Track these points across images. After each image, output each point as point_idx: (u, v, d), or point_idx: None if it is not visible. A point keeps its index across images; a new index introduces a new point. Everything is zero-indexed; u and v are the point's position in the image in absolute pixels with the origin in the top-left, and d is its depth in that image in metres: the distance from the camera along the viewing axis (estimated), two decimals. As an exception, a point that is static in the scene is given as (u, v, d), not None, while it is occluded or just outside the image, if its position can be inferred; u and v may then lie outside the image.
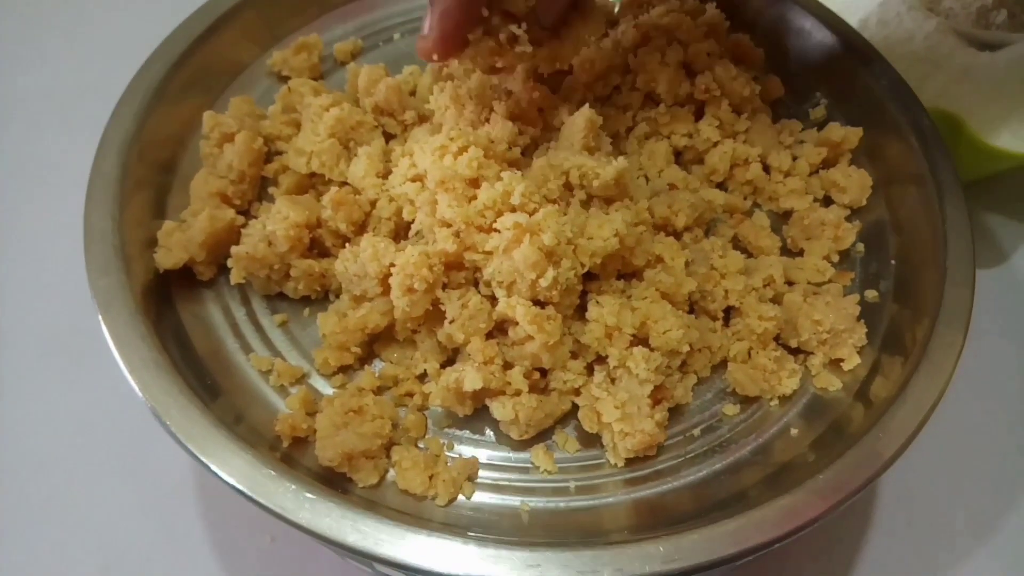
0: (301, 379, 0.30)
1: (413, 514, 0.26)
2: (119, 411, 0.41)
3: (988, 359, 0.43)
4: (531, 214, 0.28)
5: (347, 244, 0.31)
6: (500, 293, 0.28)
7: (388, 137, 0.36)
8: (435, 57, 0.32)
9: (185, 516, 0.38)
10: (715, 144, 0.35)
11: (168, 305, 0.31)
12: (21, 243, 0.48)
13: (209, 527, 0.38)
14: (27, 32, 0.59)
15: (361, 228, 0.32)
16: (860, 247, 0.35)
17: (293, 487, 0.25)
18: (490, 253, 0.28)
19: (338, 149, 0.34)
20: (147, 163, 0.33)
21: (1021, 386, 0.43)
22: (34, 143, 0.52)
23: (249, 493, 0.25)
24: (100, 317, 0.28)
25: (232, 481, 0.25)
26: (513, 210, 0.29)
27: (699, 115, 0.36)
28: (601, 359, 0.29)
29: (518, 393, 0.28)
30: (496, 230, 0.28)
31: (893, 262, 0.34)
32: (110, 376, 0.40)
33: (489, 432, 0.30)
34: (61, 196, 0.49)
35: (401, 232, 0.32)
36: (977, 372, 0.42)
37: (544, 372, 0.29)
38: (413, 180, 0.31)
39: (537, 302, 0.28)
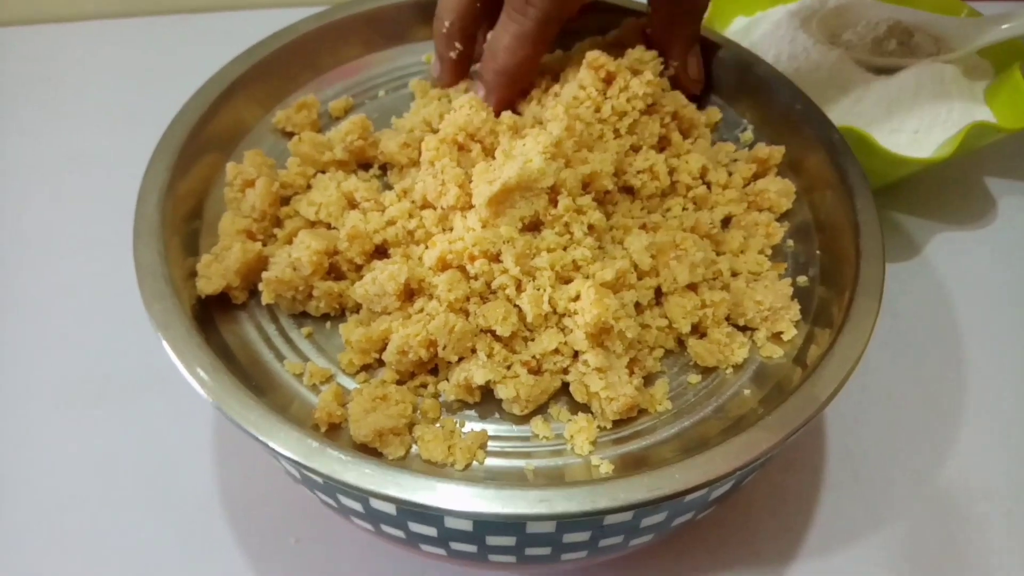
0: (330, 379, 0.35)
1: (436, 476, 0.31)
2: (142, 446, 0.46)
3: (908, 337, 0.50)
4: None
5: (360, 270, 0.37)
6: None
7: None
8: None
9: (213, 526, 0.43)
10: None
11: (211, 325, 0.36)
12: (40, 297, 0.52)
13: (235, 532, 0.43)
14: (47, 104, 0.65)
15: (371, 257, 0.38)
16: (790, 243, 0.41)
17: (338, 454, 0.30)
18: None
19: (344, 203, 0.40)
20: (179, 211, 0.39)
21: (938, 358, 0.50)
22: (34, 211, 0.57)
23: (303, 461, 0.30)
24: (160, 335, 0.33)
25: (288, 453, 0.30)
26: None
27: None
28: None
29: (517, 376, 0.34)
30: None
31: (818, 253, 0.41)
32: (129, 414, 0.46)
33: (494, 412, 0.35)
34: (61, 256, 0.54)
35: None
36: (899, 348, 0.49)
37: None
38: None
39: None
